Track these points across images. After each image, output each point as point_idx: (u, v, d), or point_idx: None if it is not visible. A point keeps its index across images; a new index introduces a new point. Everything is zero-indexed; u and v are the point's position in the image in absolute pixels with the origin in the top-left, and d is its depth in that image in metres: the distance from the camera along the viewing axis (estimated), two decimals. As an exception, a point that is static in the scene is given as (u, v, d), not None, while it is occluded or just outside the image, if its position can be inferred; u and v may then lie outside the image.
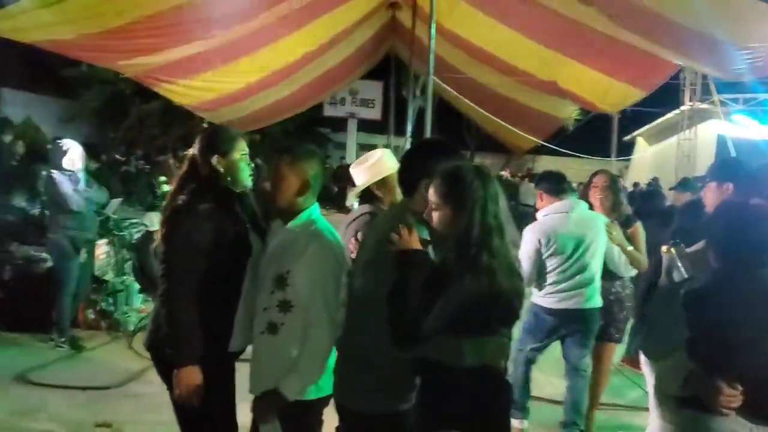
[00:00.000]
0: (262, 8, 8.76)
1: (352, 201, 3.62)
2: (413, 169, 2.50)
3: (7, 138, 8.47)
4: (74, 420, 4.51)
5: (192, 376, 2.67)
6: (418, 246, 2.28)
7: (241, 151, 2.92)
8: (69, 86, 17.45)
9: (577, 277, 4.40)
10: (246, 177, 2.94)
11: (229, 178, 2.88)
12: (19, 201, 6.95)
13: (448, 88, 11.78)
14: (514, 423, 4.65)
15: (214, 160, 2.85)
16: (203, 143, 2.92)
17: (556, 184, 4.65)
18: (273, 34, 10.20)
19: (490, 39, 11.65)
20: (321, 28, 11.52)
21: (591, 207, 4.69)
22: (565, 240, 4.40)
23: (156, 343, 2.85)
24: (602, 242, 4.44)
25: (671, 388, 2.49)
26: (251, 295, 2.80)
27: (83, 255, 6.09)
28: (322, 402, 2.73)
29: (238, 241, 2.83)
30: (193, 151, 2.95)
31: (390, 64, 17.90)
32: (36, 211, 6.81)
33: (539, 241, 4.43)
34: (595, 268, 4.43)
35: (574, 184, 14.20)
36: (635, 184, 16.59)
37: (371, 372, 2.42)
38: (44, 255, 6.36)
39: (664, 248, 2.81)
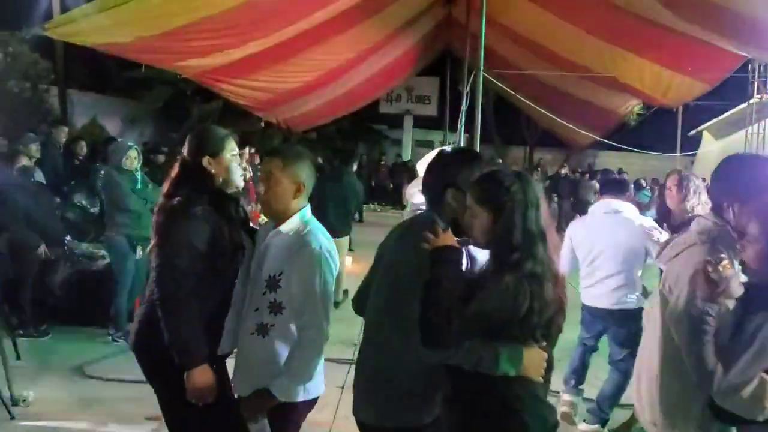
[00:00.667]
0: (316, 7, 8.80)
1: (412, 198, 3.57)
2: (438, 179, 2.47)
3: (62, 138, 8.74)
4: (126, 413, 4.64)
5: (204, 375, 2.65)
6: (453, 243, 2.20)
7: (231, 151, 2.88)
8: (133, 87, 17.94)
9: (593, 275, 4.62)
10: (238, 177, 2.91)
11: (221, 179, 2.85)
12: (80, 199, 7.16)
13: (498, 83, 11.66)
14: (566, 397, 4.86)
15: (205, 161, 2.82)
16: (193, 144, 2.86)
17: (604, 185, 4.93)
18: (327, 33, 10.25)
19: (548, 34, 11.46)
20: (375, 27, 11.54)
21: (668, 209, 4.69)
22: (584, 239, 4.67)
23: (146, 345, 2.81)
24: (624, 246, 4.49)
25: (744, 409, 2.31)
26: (241, 297, 2.78)
27: (139, 252, 6.26)
28: (309, 404, 2.74)
29: (233, 243, 2.80)
30: (183, 152, 2.88)
31: (446, 59, 17.76)
32: (95, 209, 7.00)
33: (570, 238, 4.76)
34: (608, 270, 4.52)
35: (643, 182, 13.79)
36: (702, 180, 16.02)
37: (389, 386, 2.37)
38: (102, 252, 6.57)
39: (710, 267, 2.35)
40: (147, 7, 6.32)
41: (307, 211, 2.78)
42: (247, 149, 12.31)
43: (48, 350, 5.92)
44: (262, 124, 16.57)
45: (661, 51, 9.81)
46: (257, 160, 13.65)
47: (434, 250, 2.18)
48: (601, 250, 4.56)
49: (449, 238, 2.21)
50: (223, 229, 2.76)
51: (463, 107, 9.29)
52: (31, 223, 6.09)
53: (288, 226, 2.70)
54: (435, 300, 2.10)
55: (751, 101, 13.44)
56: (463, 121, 9.60)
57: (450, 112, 17.61)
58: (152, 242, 2.81)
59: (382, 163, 21.99)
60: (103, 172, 6.39)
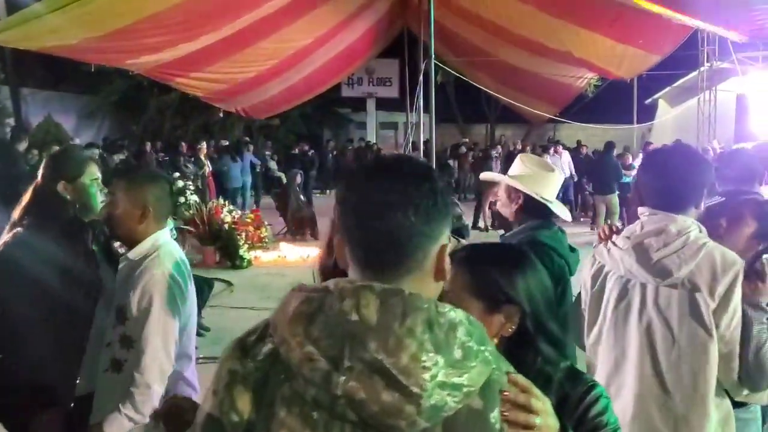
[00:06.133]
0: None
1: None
2: None
3: (23, 146, 8.64)
4: None
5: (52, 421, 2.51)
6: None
7: (91, 176, 2.68)
8: (88, 81, 17.57)
9: None
10: (97, 204, 2.67)
11: (77, 206, 2.64)
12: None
13: (449, 69, 11.75)
14: None
15: (60, 186, 2.61)
16: (49, 167, 2.66)
17: None
18: (281, 22, 10.17)
19: (501, 12, 11.51)
20: (330, 12, 11.46)
21: None
22: None
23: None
24: None
25: None
26: (100, 333, 2.54)
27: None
28: None
29: (84, 277, 2.58)
30: (37, 176, 2.66)
31: (404, 40, 17.65)
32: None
33: None
34: None
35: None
36: (647, 144, 16.18)
37: None
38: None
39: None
40: (91, 9, 6.21)
41: (162, 234, 2.53)
42: (204, 144, 12.21)
43: None
44: (221, 114, 16.40)
45: (613, 26, 9.95)
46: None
47: None
48: None
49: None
50: (74, 262, 2.56)
51: (419, 91, 9.36)
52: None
53: (135, 252, 2.46)
54: None
55: (702, 69, 13.77)
56: (420, 103, 9.69)
57: (410, 93, 17.56)
58: None
59: (350, 148, 21.77)
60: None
